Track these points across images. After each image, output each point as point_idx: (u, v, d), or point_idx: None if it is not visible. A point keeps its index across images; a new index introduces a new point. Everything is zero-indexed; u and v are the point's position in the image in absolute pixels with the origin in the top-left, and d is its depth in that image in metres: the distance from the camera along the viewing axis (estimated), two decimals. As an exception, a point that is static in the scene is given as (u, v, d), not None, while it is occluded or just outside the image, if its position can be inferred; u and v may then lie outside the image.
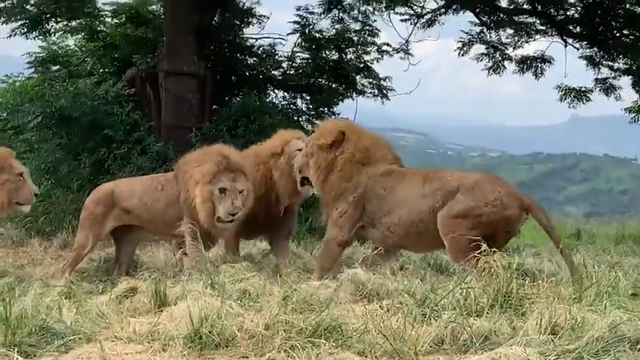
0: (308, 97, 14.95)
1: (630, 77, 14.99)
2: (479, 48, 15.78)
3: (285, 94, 14.99)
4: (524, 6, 15.14)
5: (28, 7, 14.00)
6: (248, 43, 14.87)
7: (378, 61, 15.52)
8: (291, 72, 15.05)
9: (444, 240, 7.22)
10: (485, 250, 6.01)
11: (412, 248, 8.15)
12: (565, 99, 15.53)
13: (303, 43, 15.08)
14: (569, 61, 15.37)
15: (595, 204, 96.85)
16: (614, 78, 15.24)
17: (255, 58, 14.96)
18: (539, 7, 14.92)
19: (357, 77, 15.28)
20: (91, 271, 8.69)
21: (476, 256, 6.23)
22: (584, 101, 15.46)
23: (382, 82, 15.42)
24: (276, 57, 15.02)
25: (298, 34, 15.04)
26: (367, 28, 15.34)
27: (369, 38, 15.40)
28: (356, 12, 15.27)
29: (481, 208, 7.13)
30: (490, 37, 15.66)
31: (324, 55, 15.16)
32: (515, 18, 15.37)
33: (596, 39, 14.80)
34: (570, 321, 4.77)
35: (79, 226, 8.55)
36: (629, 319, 4.80)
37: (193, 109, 13.24)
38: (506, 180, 8.08)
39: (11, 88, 15.97)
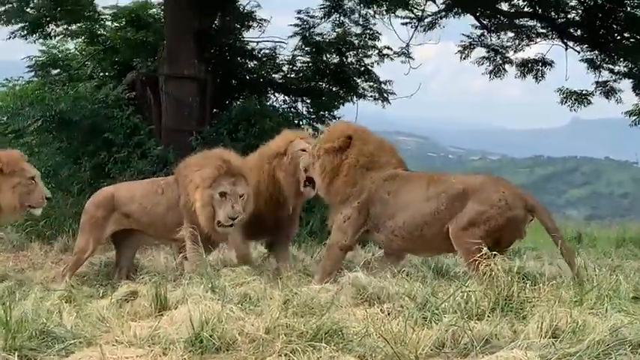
0: (309, 101, 14.95)
1: (631, 80, 14.99)
2: (480, 51, 15.79)
3: (286, 97, 14.99)
4: (525, 9, 15.12)
5: (28, 9, 14.00)
6: (248, 47, 14.87)
7: (378, 65, 15.52)
8: (292, 75, 15.05)
9: (459, 251, 7.23)
10: (486, 253, 6.01)
11: (417, 251, 8.15)
12: (566, 102, 15.55)
13: (303, 47, 15.08)
14: (569, 65, 15.37)
15: (596, 207, 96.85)
16: (615, 81, 15.24)
17: (256, 62, 14.96)
18: (540, 10, 14.91)
19: (358, 81, 15.27)
20: (92, 275, 8.68)
21: (477, 260, 6.22)
22: (585, 104, 15.47)
23: (383, 85, 15.41)
24: (277, 60, 15.02)
25: (299, 38, 15.04)
26: (368, 31, 15.34)
27: (369, 42, 15.40)
28: (356, 15, 15.27)
29: (487, 211, 7.13)
30: (491, 40, 15.67)
31: (324, 58, 15.15)
32: (516, 21, 15.37)
33: (596, 42, 14.79)
34: (571, 324, 4.77)
35: (80, 230, 8.55)
36: (630, 322, 4.80)
37: (194, 112, 13.24)
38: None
39: (11, 91, 15.93)
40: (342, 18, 15.19)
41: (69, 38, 15.72)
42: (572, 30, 15.14)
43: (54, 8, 14.02)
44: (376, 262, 8.61)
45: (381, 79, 15.42)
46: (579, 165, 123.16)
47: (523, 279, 5.85)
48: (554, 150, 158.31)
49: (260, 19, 14.87)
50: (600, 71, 15.17)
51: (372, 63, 15.44)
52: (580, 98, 15.43)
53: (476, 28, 15.50)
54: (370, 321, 5.08)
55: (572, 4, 14.81)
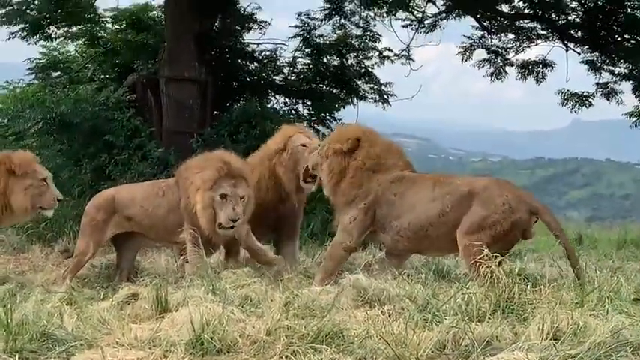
0: (309, 103, 14.96)
1: (631, 82, 14.98)
2: (480, 53, 15.79)
3: (287, 99, 15.00)
4: (526, 11, 15.13)
5: (28, 11, 14.00)
6: (249, 49, 14.88)
7: (379, 67, 15.53)
8: (293, 77, 15.05)
9: (462, 253, 7.23)
10: (487, 255, 6.02)
11: (422, 252, 8.19)
12: (566, 104, 15.54)
13: (304, 49, 15.09)
14: (570, 66, 15.38)
15: (596, 209, 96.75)
16: (616, 82, 15.23)
17: (256, 64, 14.96)
18: (540, 12, 14.91)
19: (359, 82, 15.27)
20: (92, 277, 8.68)
21: (478, 262, 6.23)
22: (587, 106, 15.46)
23: (383, 87, 15.42)
24: (278, 62, 15.02)
25: (299, 40, 15.05)
26: (368, 33, 15.35)
27: (370, 44, 15.41)
28: (357, 18, 15.28)
29: (491, 216, 7.14)
30: (491, 42, 15.67)
31: (325, 60, 15.16)
32: (517, 23, 15.37)
33: (597, 44, 14.79)
34: (572, 326, 4.77)
35: (80, 232, 8.54)
36: (631, 323, 4.80)
37: (194, 114, 13.25)
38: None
39: (12, 94, 15.93)
40: (342, 20, 15.20)
41: (69, 40, 15.73)
42: (572, 31, 15.13)
43: (54, 10, 14.02)
44: (377, 264, 8.61)
45: (381, 81, 15.44)
46: (580, 166, 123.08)
47: (524, 281, 5.85)
48: (554, 152, 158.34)
49: (260, 22, 14.89)
50: (601, 73, 15.16)
51: (373, 65, 15.46)
52: (581, 100, 15.43)
53: (476, 29, 15.51)
54: (371, 323, 5.08)
55: (573, 5, 14.81)
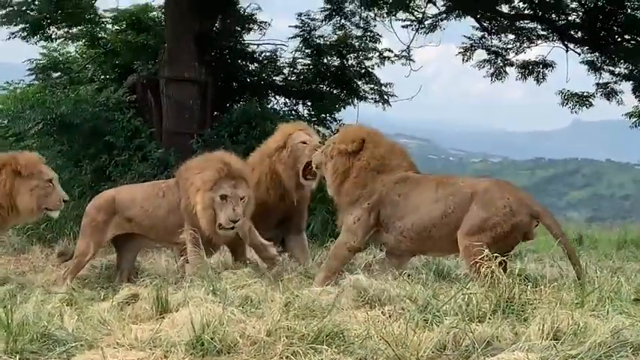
0: (309, 103, 14.95)
1: (631, 82, 14.99)
2: (481, 54, 15.80)
3: (287, 100, 14.99)
4: (526, 11, 15.13)
5: (28, 11, 14.00)
6: (249, 49, 14.87)
7: (379, 67, 15.53)
8: (293, 78, 15.05)
9: (463, 254, 7.24)
10: (487, 256, 6.02)
11: (425, 253, 8.20)
12: (567, 104, 15.54)
13: (304, 49, 15.09)
14: (570, 67, 15.38)
15: (597, 209, 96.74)
16: (616, 83, 15.24)
17: (257, 64, 14.96)
18: (540, 12, 14.91)
19: (359, 83, 15.27)
20: (93, 277, 8.68)
21: (478, 262, 6.23)
22: (587, 106, 15.47)
23: (384, 87, 15.41)
24: (278, 63, 15.02)
25: (299, 40, 15.05)
26: (368, 34, 15.35)
27: (370, 44, 15.40)
28: (357, 18, 15.28)
29: (492, 218, 7.14)
30: (492, 42, 15.67)
31: (325, 61, 15.16)
32: (517, 23, 15.37)
33: (597, 44, 14.79)
34: (573, 326, 4.77)
35: (81, 233, 8.55)
36: (632, 324, 4.80)
37: (194, 115, 13.25)
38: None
39: (12, 95, 15.94)
40: (342, 21, 15.20)
41: (70, 41, 15.73)
42: (572, 32, 15.13)
43: (55, 11, 14.03)
44: (377, 265, 8.61)
45: (381, 82, 15.43)
46: (580, 167, 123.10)
47: (524, 281, 5.85)
48: (555, 152, 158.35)
49: (260, 22, 14.88)
50: (601, 73, 15.16)
51: (373, 65, 15.45)
52: (581, 100, 15.43)
53: (476, 30, 15.52)
54: (371, 323, 5.08)
55: (573, 6, 14.81)
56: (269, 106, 14.53)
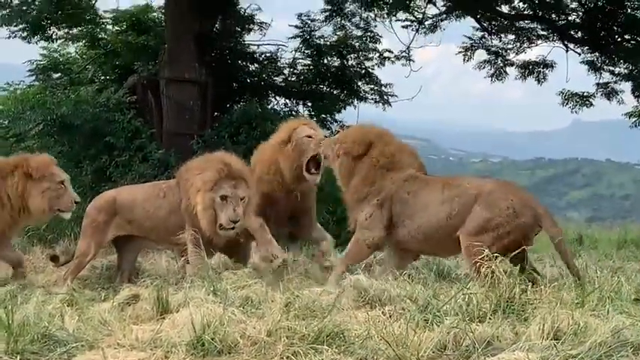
0: (310, 104, 14.98)
1: (630, 83, 15.00)
2: (481, 54, 15.82)
3: (287, 100, 15.02)
4: (526, 11, 15.15)
5: (29, 10, 14.01)
6: (249, 50, 14.90)
7: (379, 67, 15.56)
8: (293, 79, 15.07)
9: (465, 255, 7.24)
10: (488, 256, 6.03)
11: (431, 253, 8.20)
12: (567, 104, 15.56)
13: (304, 50, 15.10)
14: (570, 67, 15.41)
15: (597, 209, 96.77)
16: (616, 82, 15.25)
17: (257, 65, 14.98)
18: (540, 12, 14.93)
19: (359, 83, 15.29)
20: (93, 278, 8.68)
21: (479, 262, 6.23)
22: (587, 106, 15.49)
23: (384, 88, 15.44)
24: (278, 63, 15.04)
25: (300, 41, 15.06)
26: (369, 34, 15.38)
27: (370, 45, 15.43)
28: (357, 19, 15.30)
29: (495, 218, 7.14)
30: (492, 42, 15.69)
31: (325, 61, 15.17)
32: (517, 23, 15.38)
33: (597, 44, 14.81)
34: (573, 326, 4.77)
35: (81, 233, 8.55)
36: (632, 323, 4.80)
37: (195, 116, 13.26)
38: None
39: (12, 95, 15.94)
40: (342, 21, 15.21)
41: (70, 42, 15.75)
42: (572, 32, 15.15)
43: (55, 11, 14.04)
44: (377, 265, 8.61)
45: (382, 82, 15.46)
46: (580, 167, 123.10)
47: (524, 281, 5.85)
48: (555, 152, 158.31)
49: (261, 23, 14.91)
50: (601, 73, 15.18)
51: (373, 66, 15.49)
52: (581, 100, 15.45)
53: (477, 30, 15.53)
54: (372, 323, 5.08)
55: (573, 6, 14.83)
56: (269, 106, 14.56)
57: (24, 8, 13.93)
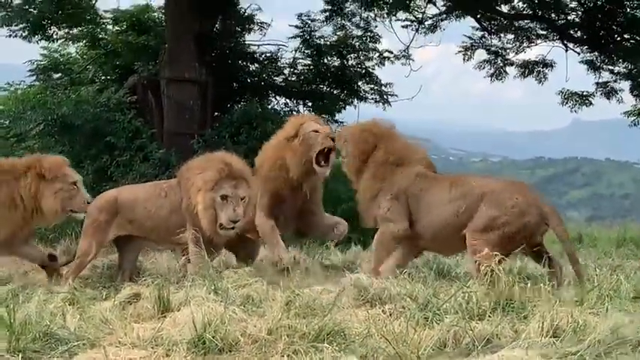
0: (310, 104, 15.00)
1: (629, 82, 15.02)
2: (481, 54, 15.85)
3: (287, 100, 15.05)
4: (525, 11, 15.16)
5: (30, 10, 14.03)
6: (249, 50, 14.91)
7: (379, 67, 15.60)
8: (293, 78, 15.09)
9: (469, 252, 7.25)
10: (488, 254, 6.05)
11: (439, 251, 8.23)
12: (566, 103, 15.60)
13: (304, 50, 15.11)
14: (570, 66, 15.44)
15: (597, 208, 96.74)
16: (615, 82, 15.27)
17: (257, 65, 15.00)
18: (540, 12, 14.95)
19: (359, 83, 15.30)
20: (95, 277, 8.68)
21: (477, 261, 6.25)
22: (587, 105, 15.51)
23: (384, 87, 15.47)
24: (278, 63, 15.06)
25: (300, 41, 15.07)
26: (369, 34, 15.40)
27: (370, 44, 15.46)
28: (357, 19, 15.32)
29: (500, 217, 7.15)
30: (491, 41, 15.70)
31: (325, 61, 15.19)
32: (516, 23, 15.40)
33: (596, 43, 14.84)
34: (572, 324, 4.78)
35: (82, 233, 8.54)
36: (631, 321, 4.80)
37: (195, 115, 13.28)
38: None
39: (13, 95, 15.97)
40: (342, 21, 15.23)
41: (70, 42, 15.77)
42: (572, 31, 15.19)
43: (55, 11, 14.06)
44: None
45: (382, 82, 15.49)
46: (580, 166, 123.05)
47: (524, 279, 5.87)
48: (555, 151, 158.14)
49: (261, 23, 14.93)
50: (600, 72, 15.22)
51: (373, 66, 15.54)
52: (581, 99, 15.49)
53: (476, 30, 15.55)
54: (372, 322, 5.10)
55: (572, 5, 14.85)
56: (269, 106, 14.58)
57: (24, 8, 13.94)
